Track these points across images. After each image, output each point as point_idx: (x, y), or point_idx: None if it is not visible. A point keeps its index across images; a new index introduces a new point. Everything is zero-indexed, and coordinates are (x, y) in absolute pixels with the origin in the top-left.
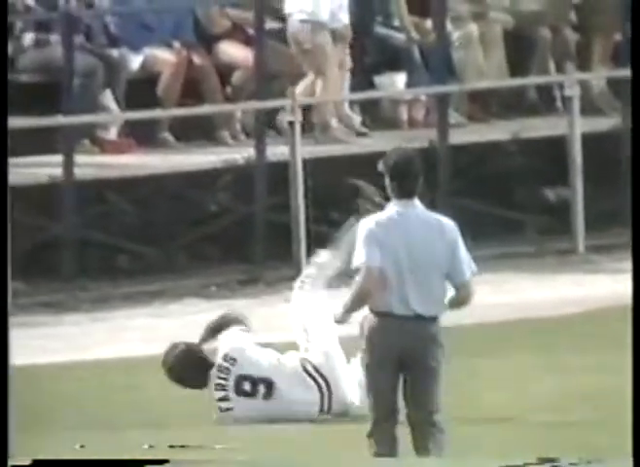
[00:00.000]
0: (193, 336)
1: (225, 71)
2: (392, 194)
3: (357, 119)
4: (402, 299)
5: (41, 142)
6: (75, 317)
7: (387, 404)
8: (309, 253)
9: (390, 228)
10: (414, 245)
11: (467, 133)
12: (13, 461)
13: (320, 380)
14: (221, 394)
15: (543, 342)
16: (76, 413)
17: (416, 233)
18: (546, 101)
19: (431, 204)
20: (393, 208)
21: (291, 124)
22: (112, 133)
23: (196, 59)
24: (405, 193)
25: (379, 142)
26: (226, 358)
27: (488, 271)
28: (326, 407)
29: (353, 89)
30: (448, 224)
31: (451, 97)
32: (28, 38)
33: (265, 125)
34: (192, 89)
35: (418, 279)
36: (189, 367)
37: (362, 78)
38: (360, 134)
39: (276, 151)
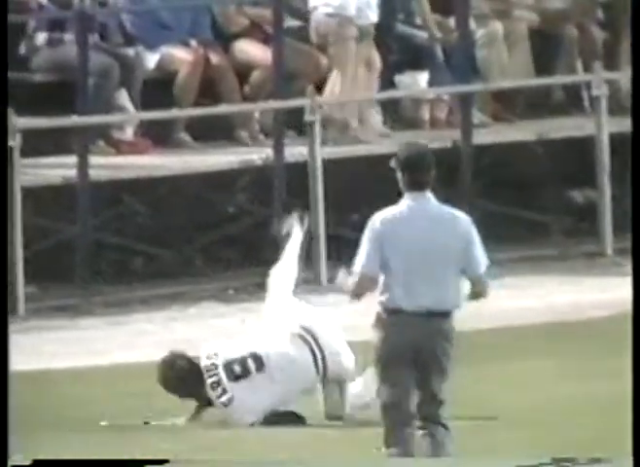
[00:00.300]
0: (211, 339)
1: (243, 70)
2: (404, 187)
3: (378, 119)
4: (412, 295)
5: (55, 143)
6: (90, 321)
7: (402, 401)
8: (329, 256)
9: (401, 222)
10: (426, 240)
11: (491, 134)
12: (13, 461)
13: (308, 338)
14: (218, 390)
15: (569, 347)
16: (90, 419)
17: (428, 228)
18: (572, 101)
19: (453, 206)
20: (405, 202)
21: (310, 124)
22: (127, 134)
23: (214, 58)
24: (416, 185)
25: (401, 142)
26: (209, 356)
27: (513, 275)
28: (321, 367)
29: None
30: (462, 218)
31: (475, 97)
32: (42, 37)
33: (283, 126)
34: (209, 89)
35: (430, 274)
36: (183, 377)
37: (383, 77)
38: (381, 135)
39: (295, 151)
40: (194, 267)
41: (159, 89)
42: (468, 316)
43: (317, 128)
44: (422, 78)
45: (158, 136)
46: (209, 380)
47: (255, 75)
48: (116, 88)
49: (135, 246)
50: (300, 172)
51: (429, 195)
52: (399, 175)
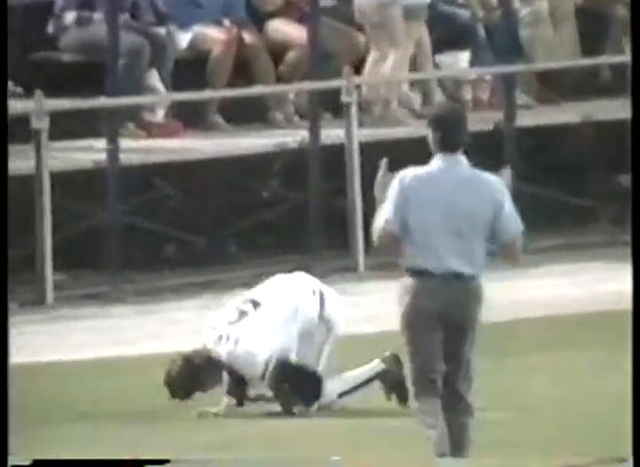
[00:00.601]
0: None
1: (277, 50)
2: (434, 147)
3: (417, 99)
4: (439, 257)
5: (84, 125)
6: (120, 310)
7: (432, 367)
8: (367, 242)
9: (429, 182)
10: (455, 202)
11: (535, 115)
12: (13, 461)
13: (309, 283)
14: (222, 342)
15: (613, 337)
16: (119, 410)
17: (457, 190)
18: (619, 82)
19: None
20: (435, 163)
21: (347, 105)
22: (159, 116)
23: (248, 38)
24: (447, 146)
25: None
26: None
27: (558, 262)
28: (319, 308)
29: (413, 68)
30: (494, 181)
31: (519, 77)
32: (70, 16)
33: (319, 107)
34: (242, 69)
35: (459, 237)
36: (199, 369)
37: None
38: (421, 116)
39: (331, 134)
40: (227, 253)
41: (191, 70)
42: (508, 305)
43: (354, 110)
44: (463, 58)
45: (189, 118)
46: (213, 339)
47: (290, 55)
48: (146, 68)
49: (167, 232)
50: (336, 155)
51: (461, 157)
52: (430, 135)
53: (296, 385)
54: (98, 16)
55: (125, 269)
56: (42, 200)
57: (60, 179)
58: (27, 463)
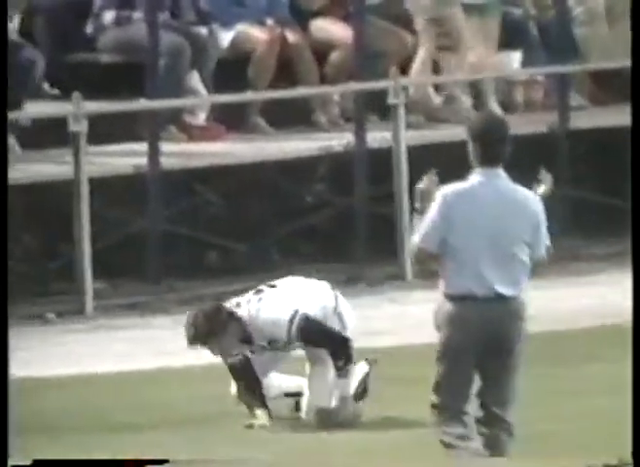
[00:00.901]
0: None
1: (321, 50)
2: (475, 160)
3: (467, 101)
4: (481, 278)
5: (123, 129)
6: (162, 320)
7: (462, 398)
8: None
9: (471, 200)
10: (496, 218)
11: (589, 117)
12: (13, 461)
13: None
14: (247, 307)
15: None
16: (161, 424)
17: (499, 207)
18: None
19: (548, 195)
20: (475, 177)
21: (394, 107)
22: (200, 119)
23: (291, 37)
24: (488, 160)
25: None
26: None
27: (610, 270)
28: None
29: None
30: (533, 198)
31: (572, 78)
32: (109, 16)
33: (365, 109)
34: (286, 70)
35: (499, 256)
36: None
37: None
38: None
39: (378, 136)
40: (269, 261)
41: (232, 71)
42: (548, 316)
43: (401, 112)
44: (515, 58)
45: (231, 121)
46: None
47: (334, 55)
48: (187, 69)
49: (209, 239)
50: (383, 159)
51: (500, 171)
52: (470, 147)
53: (326, 340)
54: (138, 15)
55: (166, 277)
56: (80, 207)
57: (99, 185)
58: (27, 463)
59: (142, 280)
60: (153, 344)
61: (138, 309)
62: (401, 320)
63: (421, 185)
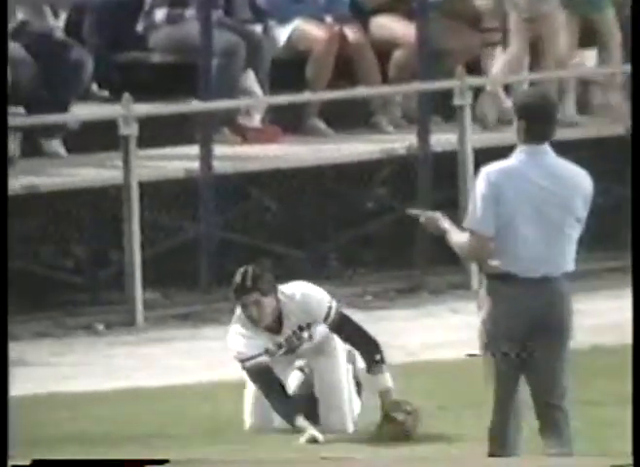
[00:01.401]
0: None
1: (383, 48)
2: (520, 137)
3: None
4: (528, 258)
5: (175, 131)
6: (214, 331)
7: (511, 387)
8: None
9: (516, 177)
10: (543, 198)
11: None
12: (13, 461)
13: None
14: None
15: None
16: (211, 440)
17: (548, 184)
18: None
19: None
20: (518, 155)
21: (460, 108)
22: (255, 120)
23: (351, 35)
24: (534, 135)
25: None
26: None
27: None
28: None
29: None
30: (584, 175)
31: None
32: (160, 13)
33: (429, 110)
34: (345, 70)
35: (547, 236)
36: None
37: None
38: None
39: (442, 139)
40: (328, 268)
41: (289, 71)
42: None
43: (467, 113)
44: (590, 56)
45: (288, 123)
46: None
47: (397, 54)
48: (242, 69)
49: (264, 246)
50: (447, 162)
51: (546, 147)
52: (515, 123)
53: (361, 331)
54: (190, 13)
55: (220, 286)
56: (130, 213)
57: (149, 190)
58: (27, 463)
59: (194, 289)
60: (205, 357)
61: (190, 320)
62: (462, 332)
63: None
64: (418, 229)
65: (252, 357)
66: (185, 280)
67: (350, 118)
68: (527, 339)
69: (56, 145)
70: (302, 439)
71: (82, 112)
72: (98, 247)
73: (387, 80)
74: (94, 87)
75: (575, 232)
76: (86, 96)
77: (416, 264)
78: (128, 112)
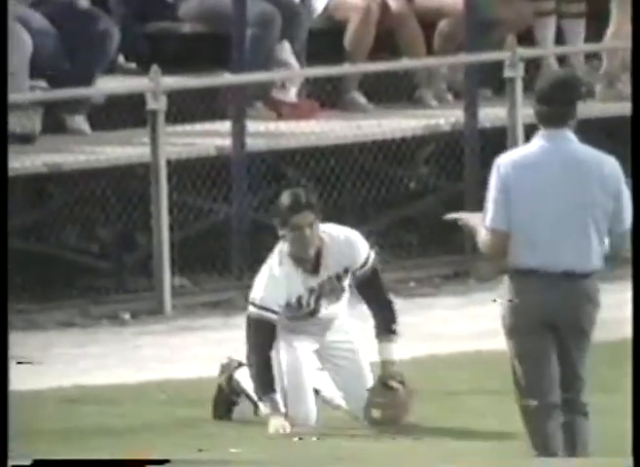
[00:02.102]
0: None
1: (428, 18)
2: (539, 121)
3: (598, 77)
4: (549, 253)
5: (205, 106)
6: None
7: (544, 379)
8: None
9: (534, 166)
10: (565, 186)
11: None
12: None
13: None
14: None
15: None
16: (240, 434)
17: (568, 172)
18: None
19: None
20: (537, 141)
21: (510, 80)
22: (291, 94)
23: (393, 4)
24: (552, 119)
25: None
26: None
27: None
28: None
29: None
30: (610, 162)
31: None
32: None
33: (476, 83)
34: (387, 40)
35: (570, 228)
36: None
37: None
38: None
39: (491, 114)
40: None
41: (327, 41)
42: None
43: (519, 86)
44: None
45: (326, 97)
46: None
47: (443, 24)
48: (277, 40)
49: None
50: (496, 139)
51: (568, 133)
52: (534, 107)
53: (379, 302)
54: None
55: (254, 272)
56: (158, 193)
57: (178, 168)
58: (28, 463)
59: (225, 275)
60: (238, 347)
61: (221, 308)
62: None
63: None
64: (466, 210)
65: (267, 309)
66: (215, 265)
67: (392, 92)
68: (549, 336)
69: (80, 121)
70: (272, 429)
71: (107, 86)
72: (124, 230)
73: (432, 51)
74: (121, 59)
75: (602, 227)
76: (111, 69)
77: (463, 248)
78: (157, 85)
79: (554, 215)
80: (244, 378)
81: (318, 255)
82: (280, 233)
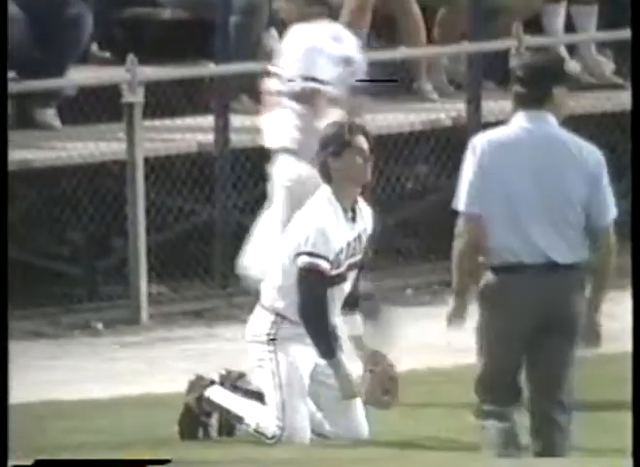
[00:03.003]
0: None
1: (429, 4)
2: (516, 103)
3: (609, 66)
4: (529, 242)
5: (187, 99)
6: (232, 330)
7: (510, 385)
8: None
9: (511, 148)
10: (544, 171)
11: None
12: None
13: None
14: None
15: None
16: (226, 451)
17: (546, 156)
18: None
19: None
20: (517, 123)
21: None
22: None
23: None
24: (528, 101)
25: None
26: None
27: None
28: None
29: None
30: (591, 149)
31: None
32: None
33: (480, 74)
34: (384, 27)
35: (549, 217)
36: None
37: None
38: (615, 86)
39: (495, 108)
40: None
41: None
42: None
43: None
44: None
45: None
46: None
47: (443, 12)
48: (264, 27)
49: None
50: None
51: (547, 115)
52: (512, 88)
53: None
54: None
55: (238, 278)
56: (134, 193)
57: (157, 166)
58: (29, 463)
59: (208, 282)
60: (221, 360)
61: (204, 318)
62: None
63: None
64: None
65: (323, 257)
66: (197, 271)
67: (389, 84)
68: (530, 335)
69: (50, 115)
70: (366, 398)
71: (80, 76)
72: (97, 233)
73: (432, 40)
74: (94, 47)
75: (581, 218)
76: (84, 58)
77: None
78: (133, 76)
79: (534, 201)
80: (219, 395)
81: (354, 201)
82: (333, 163)
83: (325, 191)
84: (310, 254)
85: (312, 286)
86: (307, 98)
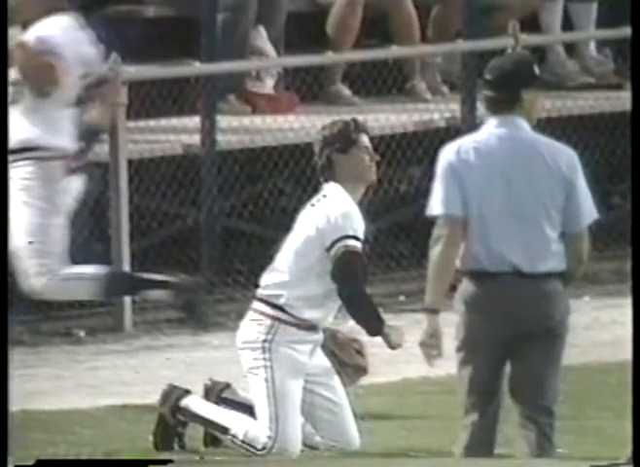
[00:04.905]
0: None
1: (422, 1)
2: (487, 108)
3: (609, 65)
4: (499, 251)
5: (172, 99)
6: (219, 337)
7: (486, 394)
8: None
9: (483, 155)
10: (515, 177)
11: None
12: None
13: None
14: None
15: None
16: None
17: (518, 162)
18: None
19: None
20: (487, 128)
21: None
22: (267, 86)
23: None
24: (501, 106)
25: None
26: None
27: None
28: None
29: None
30: (565, 151)
31: None
32: None
33: (475, 74)
34: (376, 26)
35: (520, 223)
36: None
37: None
38: (615, 87)
39: None
40: None
41: (308, 27)
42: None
43: None
44: None
45: (306, 89)
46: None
47: (437, 9)
48: (252, 25)
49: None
50: None
51: (519, 120)
52: (483, 93)
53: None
54: None
55: (226, 284)
56: (118, 196)
57: (142, 168)
58: (30, 463)
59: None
60: (206, 368)
61: (189, 325)
62: None
63: None
64: None
65: (360, 239)
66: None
67: (381, 83)
68: (513, 340)
69: None
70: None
71: None
72: (79, 237)
73: (425, 38)
74: None
75: (555, 224)
76: None
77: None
78: (116, 76)
79: (504, 208)
80: (198, 405)
81: (358, 202)
82: (339, 159)
83: (334, 186)
84: (353, 237)
85: (359, 267)
86: None
